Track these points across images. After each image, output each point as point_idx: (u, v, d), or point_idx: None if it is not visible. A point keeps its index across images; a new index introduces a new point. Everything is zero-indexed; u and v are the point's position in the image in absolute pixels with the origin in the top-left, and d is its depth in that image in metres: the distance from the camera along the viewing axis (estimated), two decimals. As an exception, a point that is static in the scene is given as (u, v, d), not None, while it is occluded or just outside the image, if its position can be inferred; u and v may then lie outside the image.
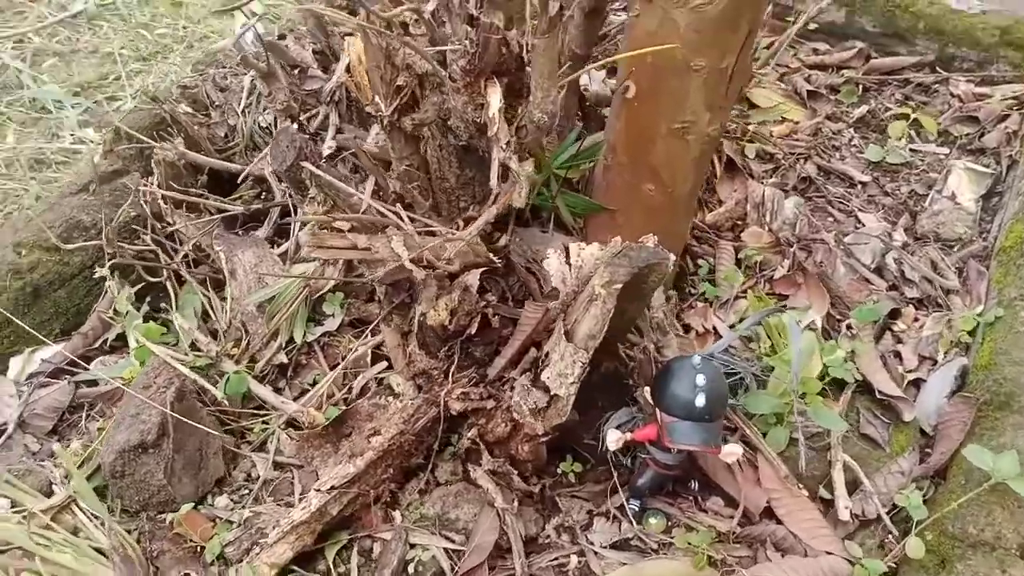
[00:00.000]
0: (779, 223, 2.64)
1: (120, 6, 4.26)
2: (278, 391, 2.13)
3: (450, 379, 1.87)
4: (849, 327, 2.31)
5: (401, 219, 1.77)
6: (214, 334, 2.21)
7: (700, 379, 1.65)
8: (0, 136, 3.13)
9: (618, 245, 1.68)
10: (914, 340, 2.31)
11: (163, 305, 2.23)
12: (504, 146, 1.61)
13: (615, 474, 1.93)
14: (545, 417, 1.80)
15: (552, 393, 1.74)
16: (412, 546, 1.82)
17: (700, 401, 1.64)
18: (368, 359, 2.15)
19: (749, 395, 2.00)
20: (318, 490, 1.76)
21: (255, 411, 2.09)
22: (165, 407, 1.79)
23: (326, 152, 1.78)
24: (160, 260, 2.27)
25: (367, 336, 2.16)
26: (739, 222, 2.64)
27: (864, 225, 2.72)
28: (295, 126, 1.78)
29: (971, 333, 2.25)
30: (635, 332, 1.98)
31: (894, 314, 2.39)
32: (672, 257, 1.68)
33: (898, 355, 2.26)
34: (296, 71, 2.29)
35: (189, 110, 2.53)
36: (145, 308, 2.24)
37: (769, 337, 2.16)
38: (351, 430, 1.94)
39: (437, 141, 1.93)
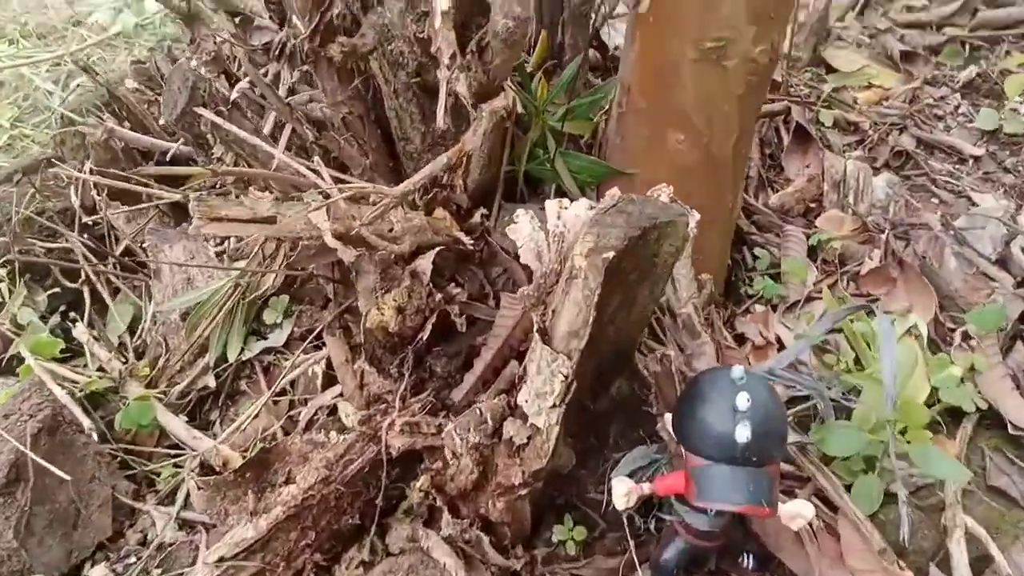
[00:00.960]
0: (867, 206, 2.04)
1: (157, 23, 4.04)
2: (206, 426, 1.66)
3: (397, 406, 1.36)
4: (966, 336, 1.68)
5: (321, 176, 1.29)
6: (138, 352, 1.77)
7: (743, 400, 1.09)
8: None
9: (613, 198, 1.14)
10: (1061, 353, 1.66)
11: (73, 315, 1.81)
12: (448, 62, 1.11)
13: (632, 544, 1.36)
14: (522, 459, 1.26)
15: (529, 424, 1.20)
16: (341, 642, 1.31)
17: (743, 434, 1.08)
18: (319, 382, 1.66)
19: (824, 428, 1.40)
20: (205, 563, 1.26)
21: (171, 450, 1.62)
22: (22, 442, 1.34)
23: (235, 96, 1.34)
24: (81, 261, 1.86)
25: (316, 352, 1.67)
26: (813, 204, 2.05)
27: (980, 206, 2.09)
28: (194, 63, 1.33)
29: None
30: (654, 336, 1.43)
31: (1028, 316, 1.75)
32: (695, 216, 1.14)
33: (1040, 373, 1.62)
34: (240, 20, 1.87)
35: (137, 86, 2.14)
36: (57, 319, 1.82)
37: (853, 349, 1.56)
38: (278, 477, 1.44)
39: (392, 85, 1.45)
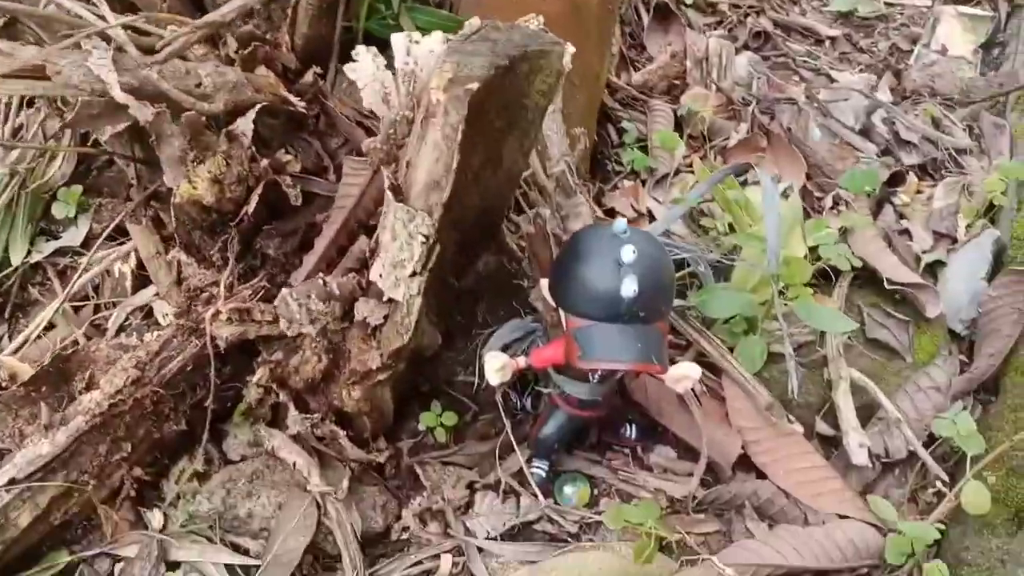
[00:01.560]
0: (730, 83, 1.98)
1: None
2: (-10, 342, 1.37)
3: (222, 295, 1.14)
4: (836, 201, 1.66)
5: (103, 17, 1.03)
6: None
7: (628, 253, 0.96)
8: None
9: (474, 24, 0.97)
10: (923, 213, 1.68)
11: None
12: None
13: (508, 424, 1.23)
14: (379, 341, 1.09)
15: (386, 298, 1.03)
16: (172, 566, 1.10)
17: (629, 288, 0.95)
18: (128, 283, 1.40)
19: (705, 291, 1.32)
20: (-10, 488, 1.02)
21: (-54, 373, 1.32)
22: None
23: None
24: None
25: (121, 248, 1.40)
26: (676, 82, 1.96)
27: (838, 82, 2.07)
28: None
29: (1000, 196, 1.61)
30: (523, 200, 1.28)
31: (893, 181, 1.75)
32: (570, 48, 0.99)
33: (906, 233, 1.62)
34: None
35: None
36: None
37: (728, 213, 1.48)
38: (79, 385, 1.19)
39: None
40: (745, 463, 1.25)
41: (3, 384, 1.21)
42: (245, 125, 1.11)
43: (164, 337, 1.12)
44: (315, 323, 1.02)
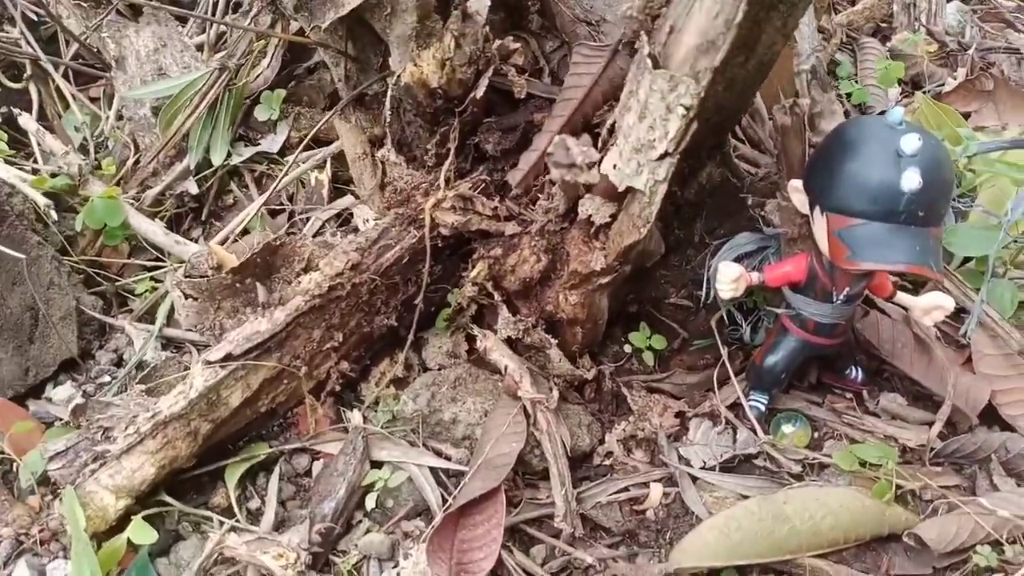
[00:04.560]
0: (940, 29, 1.81)
1: None
2: (188, 240, 1.37)
3: (443, 185, 1.09)
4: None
5: None
6: (100, 153, 1.46)
7: (911, 142, 0.85)
8: None
9: None
10: None
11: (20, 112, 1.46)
12: None
13: (725, 351, 1.14)
14: (608, 238, 1.01)
15: (624, 188, 0.95)
16: (376, 464, 1.06)
17: (911, 181, 0.84)
18: (325, 191, 1.37)
19: (949, 231, 1.18)
20: (207, 362, 0.99)
21: (146, 264, 1.33)
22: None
23: None
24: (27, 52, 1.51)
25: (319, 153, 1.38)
26: (882, 24, 1.81)
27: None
28: None
29: None
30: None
31: None
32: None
33: None
34: None
35: None
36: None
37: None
38: (292, 271, 1.16)
39: None
40: (987, 415, 1.12)
41: (209, 273, 1.20)
42: (481, 2, 1.05)
43: (383, 225, 1.08)
44: (593, 170, 0.93)
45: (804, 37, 1.11)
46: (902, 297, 1.04)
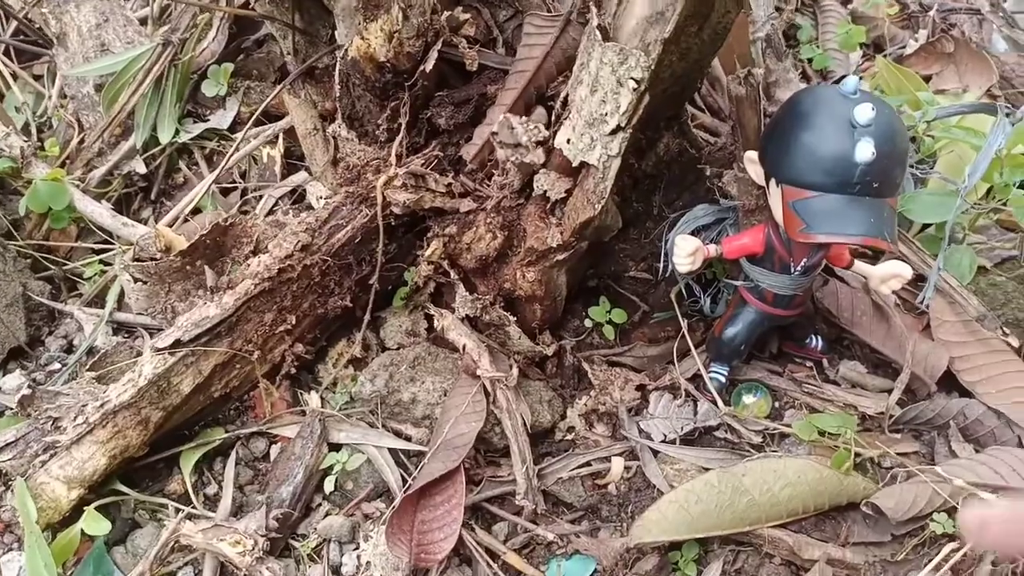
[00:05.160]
0: (900, -11, 1.79)
1: None
2: (136, 222, 1.33)
3: (394, 162, 1.06)
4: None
5: None
6: (43, 134, 1.41)
7: (864, 112, 0.84)
8: None
9: None
10: None
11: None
12: None
13: (685, 323, 1.13)
14: (566, 213, 1.00)
15: (578, 163, 0.93)
16: (334, 447, 1.04)
17: (865, 152, 0.83)
18: (277, 168, 1.34)
19: (907, 197, 1.18)
20: (155, 349, 0.97)
21: (94, 247, 1.29)
22: None
23: None
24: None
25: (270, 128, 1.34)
26: (844, -15, 1.79)
27: (1018, -3, 1.87)
28: None
29: None
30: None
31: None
32: None
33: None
34: None
35: None
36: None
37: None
38: (242, 251, 1.14)
39: None
40: (945, 381, 1.12)
41: (158, 256, 1.16)
42: (427, -26, 1.01)
43: (334, 204, 1.05)
44: (538, 150, 0.92)
45: (759, 4, 1.09)
46: (860, 266, 1.04)
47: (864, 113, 0.84)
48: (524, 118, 0.93)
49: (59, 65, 1.37)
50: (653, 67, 0.85)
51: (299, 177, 1.33)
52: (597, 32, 0.87)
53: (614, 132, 0.89)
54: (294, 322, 1.05)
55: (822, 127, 0.86)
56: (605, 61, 0.86)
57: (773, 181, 0.92)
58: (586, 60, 0.91)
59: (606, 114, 0.89)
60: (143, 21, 1.45)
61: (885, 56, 1.62)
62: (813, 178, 0.87)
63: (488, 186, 1.07)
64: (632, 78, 0.85)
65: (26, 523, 0.91)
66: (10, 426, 1.00)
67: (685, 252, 0.99)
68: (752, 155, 0.96)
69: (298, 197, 1.32)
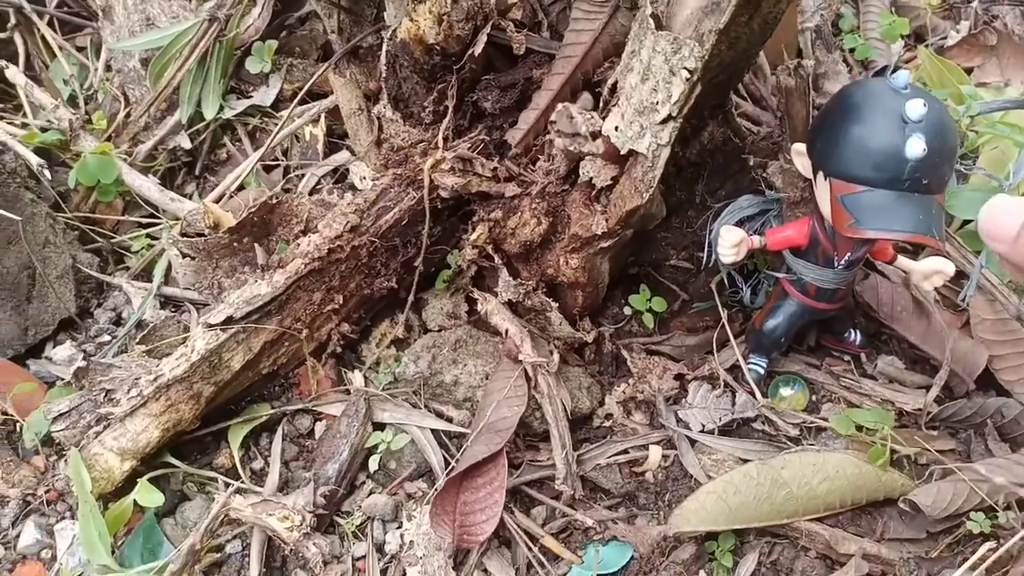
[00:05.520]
0: (946, -23, 1.76)
1: None
2: (183, 197, 1.35)
3: (441, 145, 1.07)
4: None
5: None
6: (90, 107, 1.42)
7: (916, 108, 0.83)
8: None
9: None
10: None
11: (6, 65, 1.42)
12: None
13: (724, 314, 1.14)
14: (612, 200, 1.00)
15: (627, 151, 0.93)
16: (378, 426, 1.06)
17: (916, 148, 0.83)
18: (320, 146, 1.35)
19: (950, 193, 1.17)
20: (208, 325, 0.99)
21: (141, 221, 1.31)
22: (-52, 187, 1.02)
23: None
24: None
25: (313, 107, 1.35)
26: (888, -28, 1.75)
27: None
28: None
29: None
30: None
31: None
32: None
33: None
34: None
35: None
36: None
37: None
38: (291, 231, 1.15)
39: None
40: (984, 380, 1.13)
41: (206, 231, 1.18)
42: (480, -44, 1.01)
43: (382, 186, 1.06)
44: (598, 140, 0.92)
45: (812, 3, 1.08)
46: (902, 261, 1.04)
47: (916, 109, 0.83)
48: (582, 108, 0.93)
49: (105, 38, 1.38)
50: (706, 57, 0.85)
51: (341, 156, 1.34)
52: (650, 20, 0.87)
53: (665, 121, 0.89)
54: (341, 302, 1.06)
55: (873, 121, 0.86)
56: (658, 50, 0.86)
57: (821, 174, 0.92)
58: (637, 47, 0.91)
59: (657, 103, 0.89)
60: (188, -7, 1.45)
61: (927, 47, 1.60)
62: (863, 172, 0.86)
63: (533, 171, 1.08)
64: (685, 68, 0.85)
65: (80, 493, 0.94)
66: (63, 396, 1.03)
67: (730, 243, 0.99)
68: (800, 147, 0.96)
69: (340, 177, 1.33)
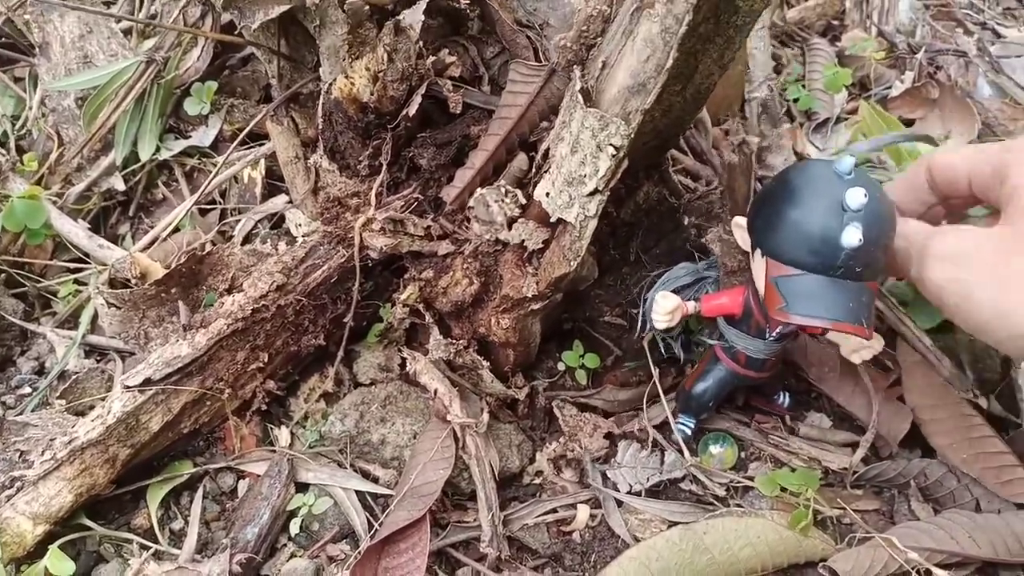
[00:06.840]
0: (891, 28, 1.80)
1: None
2: (114, 240, 1.33)
3: (373, 203, 1.06)
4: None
5: None
6: (22, 148, 1.39)
7: (856, 197, 0.82)
8: None
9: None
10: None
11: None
12: None
13: (656, 372, 1.14)
14: (541, 265, 1.00)
15: (556, 218, 0.93)
16: (302, 487, 1.05)
17: (852, 238, 0.82)
18: (258, 190, 1.33)
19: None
20: (125, 387, 0.97)
21: (69, 265, 1.29)
22: None
23: None
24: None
25: (253, 151, 1.33)
26: (834, 21, 1.80)
27: (1006, 38, 1.89)
28: None
29: None
30: (696, 129, 1.16)
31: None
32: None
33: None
34: None
35: None
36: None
37: (899, 166, 1.34)
38: (218, 285, 1.14)
39: None
40: (910, 440, 1.14)
41: (133, 281, 1.16)
42: (414, 17, 1.01)
43: (310, 243, 1.05)
44: (511, 228, 0.92)
45: (757, 63, 1.09)
46: (832, 335, 1.05)
47: (856, 198, 0.82)
48: (500, 193, 0.93)
49: (41, 76, 1.35)
50: (632, 136, 0.85)
51: (279, 201, 1.32)
52: (579, 96, 0.87)
53: (592, 194, 0.90)
54: (266, 360, 1.05)
55: (812, 207, 0.85)
56: (586, 125, 0.87)
57: (759, 251, 0.92)
58: (568, 119, 0.91)
59: (585, 176, 0.89)
60: (127, 32, 1.43)
61: (869, 98, 1.63)
62: (798, 256, 0.85)
63: (468, 229, 1.07)
64: (612, 144, 0.86)
65: (-10, 557, 0.91)
66: (-24, 455, 1.00)
67: (665, 310, 0.99)
68: (740, 220, 0.95)
69: (278, 220, 1.31)
